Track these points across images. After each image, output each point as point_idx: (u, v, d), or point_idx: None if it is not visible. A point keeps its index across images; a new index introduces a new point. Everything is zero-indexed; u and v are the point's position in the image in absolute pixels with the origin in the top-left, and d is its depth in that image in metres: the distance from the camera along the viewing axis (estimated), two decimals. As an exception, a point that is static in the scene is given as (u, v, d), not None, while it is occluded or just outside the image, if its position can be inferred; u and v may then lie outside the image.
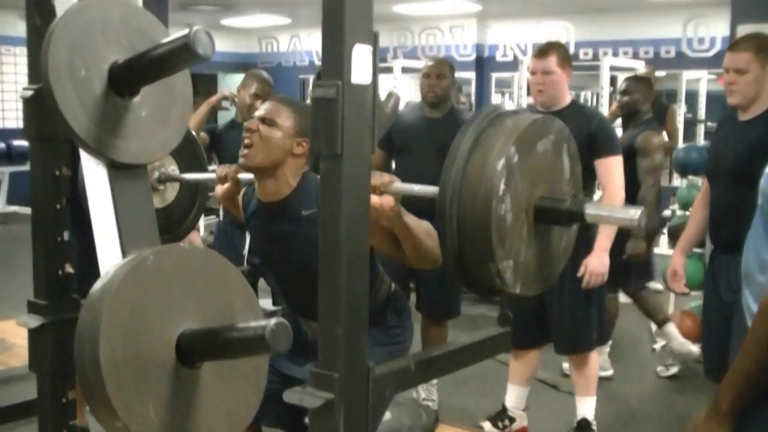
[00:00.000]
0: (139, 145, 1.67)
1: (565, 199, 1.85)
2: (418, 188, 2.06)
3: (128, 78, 1.62)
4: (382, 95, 1.81)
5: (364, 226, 1.66)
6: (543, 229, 1.88)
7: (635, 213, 1.77)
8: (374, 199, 2.08)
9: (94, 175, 1.68)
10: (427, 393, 4.35)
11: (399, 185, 2.12)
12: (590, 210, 1.83)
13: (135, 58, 1.59)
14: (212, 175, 2.70)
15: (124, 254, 1.63)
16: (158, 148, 1.73)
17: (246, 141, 2.44)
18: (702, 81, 9.90)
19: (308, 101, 6.43)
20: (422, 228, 2.28)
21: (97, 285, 1.49)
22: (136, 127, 1.66)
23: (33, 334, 2.25)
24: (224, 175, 2.63)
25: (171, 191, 2.89)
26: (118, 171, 1.66)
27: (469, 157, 1.77)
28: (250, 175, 2.56)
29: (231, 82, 4.70)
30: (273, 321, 1.37)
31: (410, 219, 2.24)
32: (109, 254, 1.64)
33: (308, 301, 2.48)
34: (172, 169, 2.86)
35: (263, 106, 2.52)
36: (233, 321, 1.54)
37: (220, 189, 2.67)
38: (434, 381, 4.40)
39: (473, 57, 11.80)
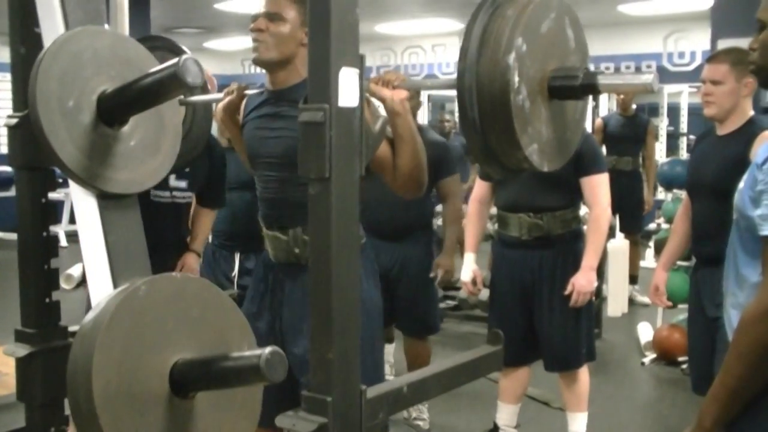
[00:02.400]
0: (129, 175, 1.67)
1: (577, 75, 1.87)
2: (430, 82, 2.14)
3: (117, 108, 1.61)
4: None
5: (354, 249, 1.66)
6: (559, 104, 1.93)
7: (648, 77, 1.81)
8: (386, 91, 2.18)
9: (84, 206, 1.66)
10: (417, 412, 4.34)
11: (412, 80, 2.21)
12: (603, 80, 1.86)
13: (124, 87, 1.59)
14: (218, 95, 2.70)
15: (115, 285, 1.62)
16: (148, 178, 1.72)
17: (256, 42, 2.47)
18: (683, 94, 10.00)
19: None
20: (420, 141, 2.35)
21: (89, 316, 1.47)
22: (126, 156, 1.65)
23: (21, 363, 2.22)
24: (232, 89, 2.66)
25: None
26: (107, 201, 1.65)
27: (479, 57, 1.80)
28: (256, 90, 2.63)
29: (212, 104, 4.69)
30: (267, 350, 1.36)
31: (413, 123, 2.31)
32: (100, 285, 1.63)
33: (288, 202, 2.49)
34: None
35: (264, 2, 2.52)
36: (227, 350, 1.53)
37: (222, 102, 2.68)
38: (424, 399, 4.39)
39: (455, 75, 11.84)
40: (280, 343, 2.51)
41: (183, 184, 3.58)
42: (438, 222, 5.17)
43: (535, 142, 1.84)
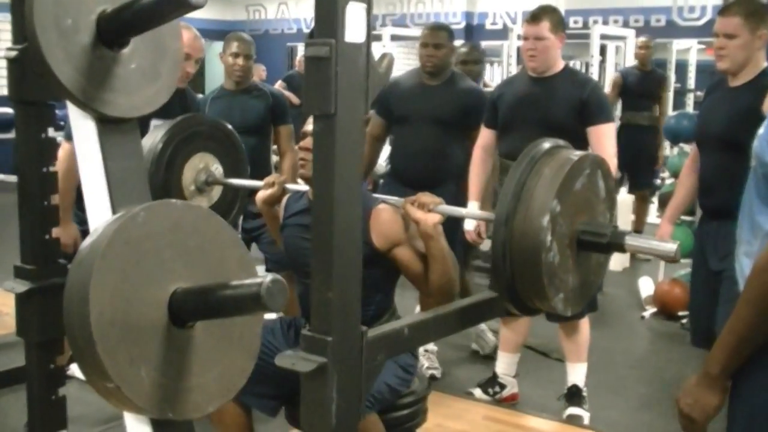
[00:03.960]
0: (129, 99, 1.62)
1: (605, 233, 1.96)
2: (465, 211, 2.31)
3: (117, 28, 1.56)
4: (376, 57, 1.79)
5: (356, 188, 1.63)
6: (585, 254, 2.02)
7: (672, 247, 1.92)
8: (420, 213, 2.28)
9: (83, 130, 1.62)
10: (429, 362, 4.35)
11: (446, 207, 2.31)
12: (630, 242, 1.95)
13: (124, 6, 1.53)
14: (259, 183, 2.78)
15: (114, 211, 1.58)
16: (147, 103, 1.68)
17: (304, 156, 2.50)
18: (692, 51, 9.88)
19: (295, 69, 6.42)
20: (452, 256, 2.42)
21: (86, 242, 1.44)
22: (125, 80, 1.61)
23: (20, 299, 2.21)
24: (272, 181, 2.73)
25: (216, 191, 3.03)
26: (106, 125, 1.61)
27: (514, 213, 1.88)
28: (298, 187, 2.70)
29: (217, 50, 4.65)
30: (268, 278, 1.33)
31: (445, 244, 2.37)
32: (98, 211, 1.60)
33: None
34: (216, 167, 2.99)
35: (310, 120, 2.53)
36: (227, 279, 1.50)
37: (263, 193, 2.75)
38: (434, 349, 4.39)
39: (462, 25, 11.73)
40: None
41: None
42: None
43: (561, 292, 1.94)
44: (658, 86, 7.36)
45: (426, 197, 2.29)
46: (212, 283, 1.47)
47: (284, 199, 2.77)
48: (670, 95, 8.39)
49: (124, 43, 1.60)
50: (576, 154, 1.98)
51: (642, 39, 7.43)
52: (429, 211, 2.28)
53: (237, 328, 1.60)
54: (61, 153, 3.32)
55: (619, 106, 7.48)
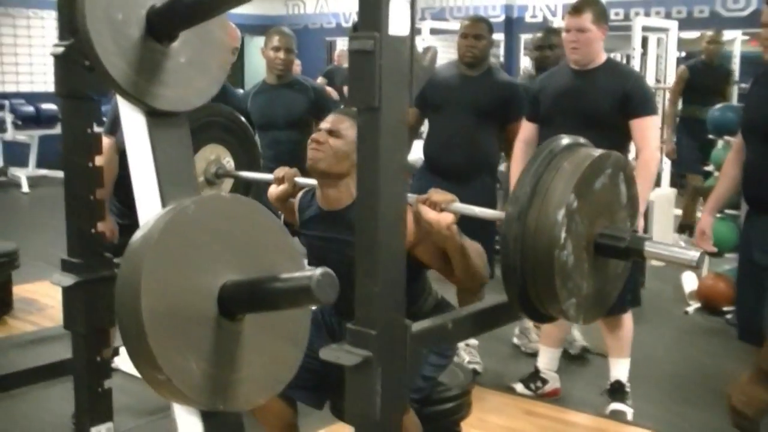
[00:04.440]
0: (178, 92, 1.63)
1: (624, 237, 1.86)
2: (479, 210, 2.13)
3: (167, 22, 1.57)
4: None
5: (401, 180, 1.63)
6: (602, 261, 1.92)
7: (694, 255, 1.79)
8: (432, 214, 2.16)
9: (133, 124, 1.64)
10: (470, 356, 4.33)
11: (458, 205, 2.18)
12: (649, 248, 1.84)
13: (174, 1, 1.55)
14: (269, 176, 2.72)
15: (163, 204, 1.59)
16: (197, 96, 1.68)
17: (313, 153, 2.48)
18: (736, 42, 9.71)
19: (335, 64, 6.43)
20: (474, 248, 2.33)
21: (137, 235, 1.45)
22: (175, 73, 1.62)
23: (67, 292, 2.24)
24: (282, 176, 2.67)
25: (226, 185, 2.95)
26: (156, 119, 1.62)
27: (529, 207, 1.79)
28: (307, 180, 2.61)
29: (257, 45, 4.66)
30: (318, 271, 1.33)
31: (464, 239, 2.29)
32: (148, 204, 1.61)
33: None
34: (227, 160, 2.92)
35: (329, 118, 2.56)
36: (275, 272, 1.50)
37: (275, 189, 2.70)
38: (475, 343, 4.38)
39: (502, 18, 11.66)
40: None
41: None
42: (503, 167, 5.09)
43: (574, 297, 1.83)
44: (724, 81, 7.25)
45: (438, 195, 2.18)
46: (262, 276, 1.48)
47: (298, 196, 2.74)
48: (735, 89, 8.27)
49: (173, 36, 1.61)
50: (598, 151, 1.89)
51: (710, 33, 7.32)
52: (441, 210, 2.17)
53: (286, 321, 1.61)
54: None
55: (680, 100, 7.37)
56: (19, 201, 10.05)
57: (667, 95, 8.04)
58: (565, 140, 1.92)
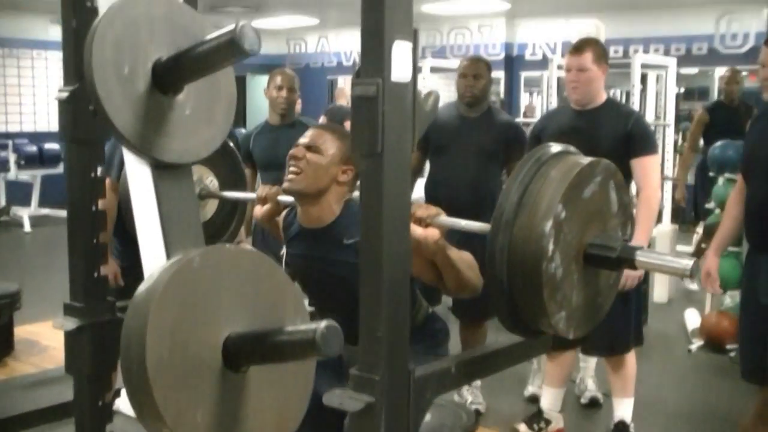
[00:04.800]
0: (184, 144, 1.64)
1: (615, 247, 1.80)
2: (465, 223, 2.08)
3: (173, 75, 1.59)
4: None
5: (405, 224, 1.64)
6: (592, 271, 1.86)
7: (687, 263, 1.73)
8: (419, 231, 2.09)
9: (138, 175, 1.65)
10: (473, 396, 4.30)
11: (445, 219, 2.13)
12: (641, 257, 1.78)
13: (180, 54, 1.56)
14: (252, 195, 2.69)
15: (168, 255, 1.60)
16: (202, 147, 1.70)
17: (292, 168, 2.44)
18: (735, 78, 9.76)
19: (336, 102, 6.44)
20: (464, 260, 2.29)
21: (143, 287, 1.46)
22: (181, 125, 1.63)
23: (70, 336, 2.23)
24: (264, 195, 2.64)
25: (211, 206, 2.90)
26: (162, 170, 1.63)
27: (515, 218, 1.75)
28: (290, 198, 2.57)
29: (259, 84, 4.69)
30: (323, 324, 1.33)
31: (453, 252, 2.24)
32: (153, 255, 1.62)
33: (345, 324, 2.49)
34: (211, 180, 2.86)
35: (307, 133, 2.51)
36: (280, 324, 1.50)
37: (259, 209, 2.68)
38: (478, 383, 4.36)
39: (502, 56, 11.74)
40: None
41: None
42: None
43: (563, 310, 1.78)
44: (745, 118, 7.23)
45: (422, 210, 2.11)
46: (267, 328, 1.48)
47: (283, 213, 2.70)
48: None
49: (179, 89, 1.63)
50: (586, 159, 1.84)
51: (727, 73, 7.21)
52: (427, 226, 2.12)
53: (290, 372, 1.60)
54: None
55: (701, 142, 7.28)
56: (22, 240, 10.06)
57: (667, 131, 8.06)
58: (553, 148, 1.87)
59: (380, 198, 1.56)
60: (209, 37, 1.52)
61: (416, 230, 2.10)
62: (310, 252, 2.55)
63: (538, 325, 1.82)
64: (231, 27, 1.43)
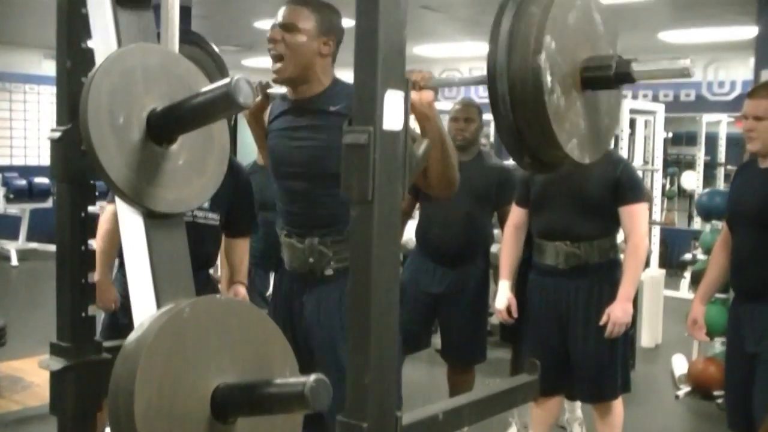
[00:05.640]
0: (176, 194, 1.65)
1: (610, 65, 1.82)
2: (459, 79, 2.09)
3: (167, 126, 1.60)
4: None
5: (395, 273, 1.64)
6: (593, 95, 1.88)
7: (685, 62, 1.76)
8: (413, 94, 2.05)
9: (130, 224, 1.66)
10: None
11: (439, 79, 2.12)
12: (637, 68, 1.80)
13: (174, 106, 1.58)
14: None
15: (159, 305, 1.60)
16: (194, 197, 1.71)
17: (272, 53, 2.46)
18: (722, 124, 9.90)
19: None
20: (449, 139, 2.29)
21: (132, 337, 1.46)
22: (173, 175, 1.64)
23: (55, 376, 2.21)
24: (255, 87, 2.63)
25: None
26: (153, 220, 1.64)
27: (508, 61, 1.75)
28: (279, 90, 2.59)
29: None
30: (312, 378, 1.33)
31: (442, 125, 2.24)
32: (143, 305, 1.62)
33: (308, 213, 2.49)
34: None
35: (281, 12, 2.50)
36: (270, 375, 1.50)
37: None
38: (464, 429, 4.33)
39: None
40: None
41: (206, 203, 3.48)
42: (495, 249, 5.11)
43: (574, 137, 1.81)
44: None
45: (415, 74, 2.08)
46: (256, 380, 1.48)
47: (269, 107, 2.71)
48: (700, 169, 8.30)
49: (173, 139, 1.64)
50: None
51: None
52: (421, 89, 2.10)
53: (279, 422, 1.59)
54: (105, 215, 3.37)
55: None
56: (8, 274, 10.00)
57: (655, 176, 8.11)
58: None
59: (370, 245, 1.57)
60: (204, 89, 1.54)
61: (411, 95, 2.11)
62: (296, 122, 2.56)
63: (553, 158, 1.86)
64: (226, 80, 1.44)
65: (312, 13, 2.47)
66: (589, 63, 1.83)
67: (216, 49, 3.34)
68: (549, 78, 1.72)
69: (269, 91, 2.66)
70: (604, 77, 1.83)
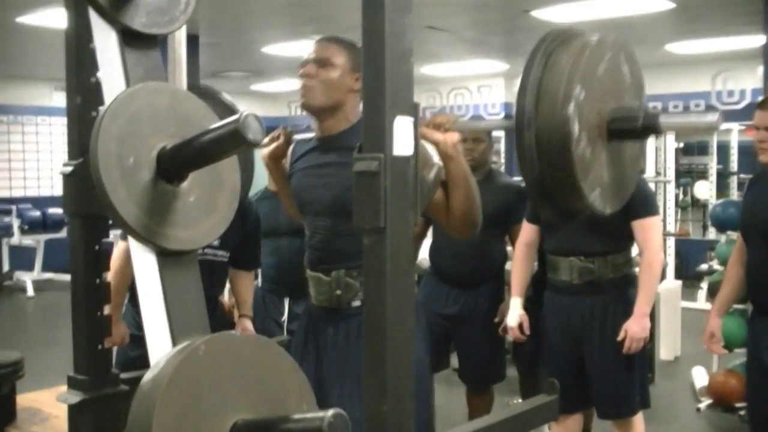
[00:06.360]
0: (188, 232, 1.65)
1: (637, 116, 1.83)
2: (485, 123, 2.14)
3: (177, 164, 1.60)
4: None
5: (409, 299, 1.64)
6: (617, 145, 1.89)
7: (713, 117, 1.77)
8: (438, 135, 2.15)
9: (143, 263, 1.66)
10: None
11: (464, 121, 2.17)
12: (666, 120, 1.82)
13: (183, 144, 1.58)
14: (265, 140, 2.66)
15: (174, 343, 1.60)
16: (206, 235, 1.71)
17: (304, 89, 2.48)
18: (733, 133, 9.86)
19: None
20: (473, 180, 2.31)
21: (148, 376, 1.46)
22: (185, 213, 1.64)
23: (73, 409, 2.22)
24: (277, 134, 2.67)
25: None
26: (166, 257, 1.64)
27: (536, 112, 1.77)
28: (304, 135, 2.61)
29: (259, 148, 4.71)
30: (330, 413, 1.32)
31: (467, 166, 2.28)
32: (159, 343, 1.62)
33: (334, 247, 2.48)
34: None
35: (314, 48, 2.53)
36: (286, 411, 1.49)
37: (267, 148, 2.68)
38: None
39: (502, 115, 11.85)
40: (321, 389, 2.50)
41: (216, 242, 3.46)
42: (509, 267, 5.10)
43: (597, 188, 1.82)
44: None
45: (441, 117, 2.19)
46: (273, 416, 1.47)
47: (290, 150, 2.71)
48: (713, 179, 8.23)
49: (183, 177, 1.64)
50: (593, 38, 1.86)
51: None
52: (446, 131, 2.16)
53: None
54: (117, 251, 3.38)
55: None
56: (24, 306, 10.04)
57: (668, 187, 8.08)
58: (556, 35, 1.89)
59: (383, 273, 1.57)
60: (213, 126, 1.54)
61: (435, 134, 2.16)
62: (322, 159, 2.56)
63: (576, 208, 1.86)
64: (235, 117, 1.45)
65: (343, 49, 2.50)
66: (617, 114, 1.84)
67: (229, 98, 3.35)
68: (576, 128, 1.74)
69: (295, 137, 2.68)
70: (631, 129, 1.84)
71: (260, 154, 2.71)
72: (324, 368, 2.60)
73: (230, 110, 3.30)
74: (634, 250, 3.80)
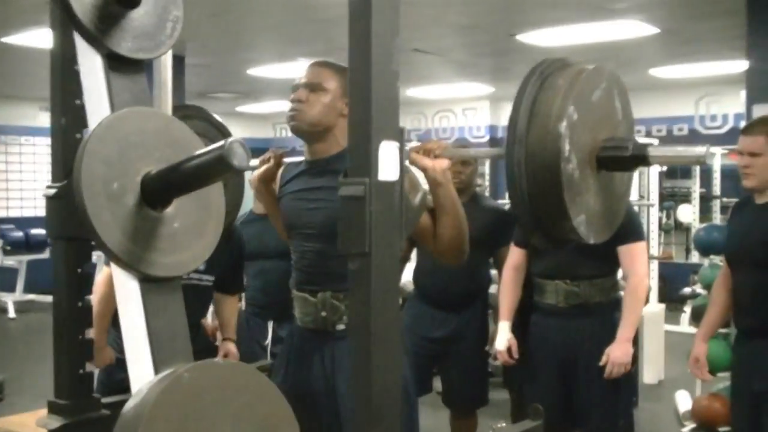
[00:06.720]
0: (172, 258, 1.64)
1: (627, 146, 1.84)
2: (474, 151, 2.16)
3: (161, 190, 1.59)
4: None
5: (395, 324, 1.63)
6: (607, 176, 1.90)
7: (701, 150, 1.79)
8: (427, 161, 2.16)
9: (126, 289, 1.64)
10: None
11: (453, 149, 2.22)
12: (653, 152, 1.83)
13: (168, 169, 1.57)
14: (255, 162, 2.65)
15: (156, 371, 1.58)
16: (191, 261, 1.70)
17: (293, 113, 2.48)
18: (716, 157, 9.92)
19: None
20: (461, 208, 2.32)
21: (130, 404, 1.44)
22: (169, 239, 1.63)
23: (53, 435, 2.19)
24: (268, 156, 2.66)
25: None
26: (150, 285, 1.63)
27: (528, 128, 1.78)
28: (295, 159, 2.61)
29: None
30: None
31: (455, 193, 2.28)
32: (141, 371, 1.60)
33: (322, 269, 2.47)
34: None
35: (305, 73, 2.53)
36: (271, 440, 1.48)
37: (257, 171, 2.67)
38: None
39: (487, 138, 11.90)
40: (304, 408, 2.49)
41: (201, 266, 3.47)
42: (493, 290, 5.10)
43: (583, 213, 1.83)
44: None
45: (431, 143, 2.20)
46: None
47: (279, 172, 2.71)
48: (696, 203, 8.21)
49: (167, 203, 1.63)
50: (590, 66, 1.89)
51: None
52: (436, 157, 2.16)
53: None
54: (101, 277, 3.35)
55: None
56: (6, 327, 9.94)
57: (651, 211, 8.10)
58: (553, 61, 1.91)
59: (369, 298, 1.56)
60: (198, 152, 1.53)
61: (424, 160, 2.17)
62: (312, 183, 2.56)
63: (560, 230, 1.86)
64: (220, 143, 1.44)
65: (335, 74, 2.50)
66: (607, 143, 1.86)
67: (219, 119, 3.35)
68: (567, 146, 1.75)
69: (285, 160, 2.67)
70: (620, 158, 1.85)
71: (250, 177, 2.70)
72: (309, 391, 2.58)
73: (221, 131, 3.30)
74: (620, 274, 3.81)
